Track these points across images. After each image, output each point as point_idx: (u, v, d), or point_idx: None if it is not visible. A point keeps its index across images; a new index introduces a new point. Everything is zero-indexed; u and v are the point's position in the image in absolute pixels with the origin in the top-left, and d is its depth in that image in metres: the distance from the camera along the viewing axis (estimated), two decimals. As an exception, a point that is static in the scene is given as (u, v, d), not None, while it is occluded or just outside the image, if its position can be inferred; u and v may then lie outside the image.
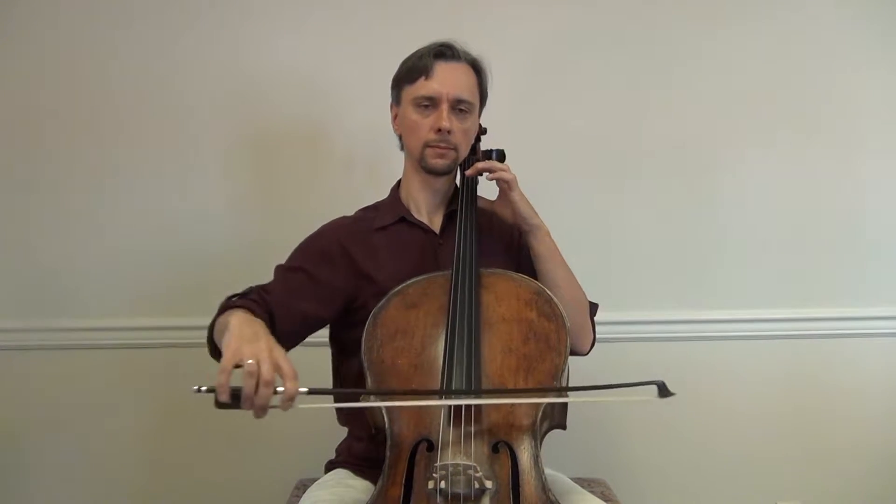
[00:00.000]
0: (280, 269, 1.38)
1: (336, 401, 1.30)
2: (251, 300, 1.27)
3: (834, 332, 2.01)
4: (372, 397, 1.18)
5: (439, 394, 1.14)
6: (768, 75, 1.97)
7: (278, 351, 1.04)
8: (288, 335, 1.26)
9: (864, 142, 2.00)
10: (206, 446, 1.95)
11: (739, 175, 1.98)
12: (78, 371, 1.92)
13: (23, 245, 1.90)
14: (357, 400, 1.19)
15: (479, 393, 1.14)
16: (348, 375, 1.37)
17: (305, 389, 1.01)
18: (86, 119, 1.89)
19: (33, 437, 1.94)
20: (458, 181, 1.45)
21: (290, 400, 1.00)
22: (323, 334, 1.43)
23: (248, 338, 1.05)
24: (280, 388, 1.00)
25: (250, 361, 0.99)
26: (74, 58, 1.88)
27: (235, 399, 0.99)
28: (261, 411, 1.00)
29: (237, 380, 1.00)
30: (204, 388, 0.98)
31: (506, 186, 1.35)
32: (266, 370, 0.99)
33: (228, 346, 1.03)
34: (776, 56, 1.97)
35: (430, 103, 1.34)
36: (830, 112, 1.98)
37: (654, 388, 1.06)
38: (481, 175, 1.38)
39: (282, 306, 1.29)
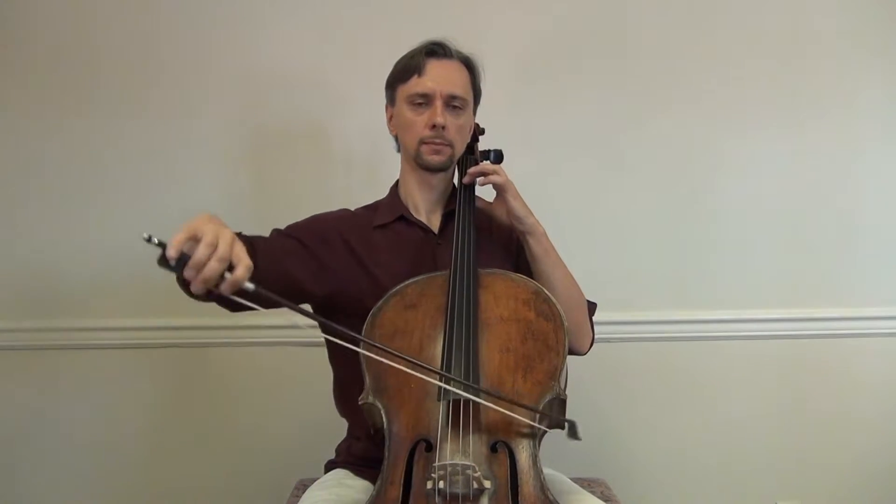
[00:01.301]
0: (275, 231, 1.37)
1: (325, 331, 1.15)
2: (238, 234, 1.20)
3: (834, 332, 2.01)
4: (363, 346, 1.14)
5: (440, 375, 1.12)
6: (768, 75, 1.97)
7: (239, 244, 1.00)
8: (265, 284, 1.17)
9: (863, 142, 2.00)
10: (206, 446, 1.95)
11: (739, 175, 1.98)
12: (78, 371, 1.93)
13: (23, 245, 1.91)
14: (347, 340, 1.11)
15: (476, 388, 1.12)
16: (345, 374, 1.37)
17: (252, 286, 0.98)
18: (85, 119, 1.89)
19: (33, 437, 1.94)
20: (455, 181, 1.45)
21: (234, 285, 0.97)
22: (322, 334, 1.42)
23: (214, 222, 1.00)
24: (228, 275, 0.97)
25: (210, 236, 0.96)
26: (73, 57, 1.88)
27: (181, 262, 0.95)
28: (200, 284, 0.96)
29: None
30: (156, 240, 0.93)
31: (500, 189, 1.35)
32: (223, 248, 0.96)
33: (192, 221, 0.99)
34: (776, 56, 1.97)
35: (424, 100, 1.35)
36: (830, 112, 1.99)
37: (566, 426, 1.11)
38: (476, 181, 1.38)
39: (267, 255, 1.25)
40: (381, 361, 1.11)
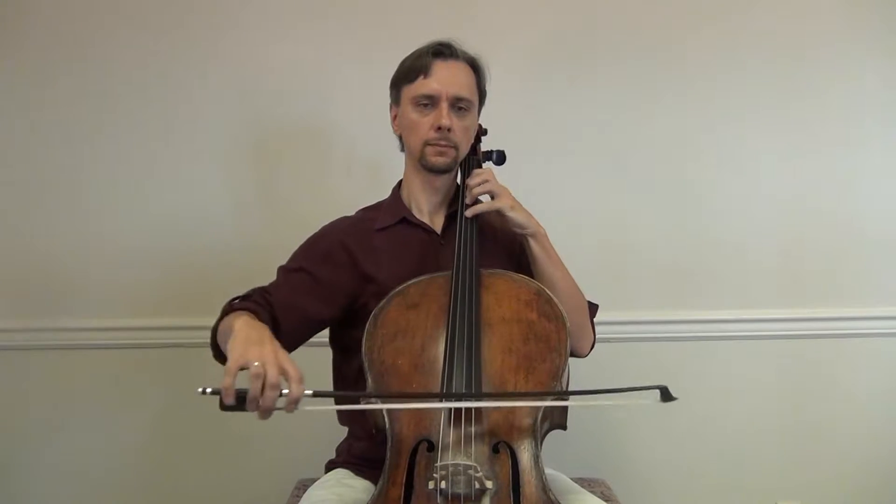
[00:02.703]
0: (282, 271, 1.39)
1: (338, 403, 1.31)
2: (254, 302, 1.27)
3: (834, 332, 2.01)
4: (373, 399, 1.18)
5: (439, 396, 1.14)
6: (769, 75, 1.97)
7: (283, 354, 1.05)
8: (291, 336, 1.27)
9: (864, 142, 2.00)
10: (206, 446, 1.95)
11: (740, 175, 1.99)
12: (78, 371, 1.92)
13: (23, 245, 1.90)
14: (359, 401, 1.19)
15: (479, 396, 1.14)
16: (349, 376, 1.37)
17: (310, 392, 1.02)
18: (86, 120, 1.89)
19: (33, 437, 1.94)
20: (458, 181, 1.45)
21: (294, 402, 1.01)
22: (324, 334, 1.43)
23: (253, 341, 1.06)
24: (285, 391, 1.01)
25: (256, 364, 1.00)
26: (75, 58, 1.88)
27: (241, 401, 0.99)
28: (266, 413, 1.01)
29: (242, 383, 1.01)
30: (209, 390, 0.99)
31: (499, 211, 1.34)
32: (272, 373, 1.00)
33: (234, 349, 1.04)
34: (776, 56, 1.97)
35: (430, 102, 1.34)
36: (831, 112, 1.99)
37: (657, 392, 1.06)
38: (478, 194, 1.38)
39: (284, 307, 1.30)
40: (385, 361, 1.15)
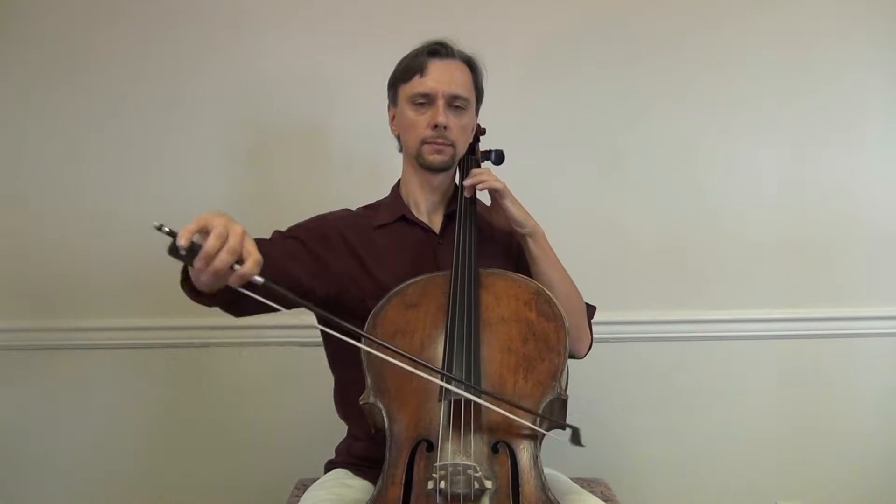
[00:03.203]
0: (277, 233, 1.37)
1: (320, 321, 1.20)
2: None
3: (834, 332, 2.01)
4: (365, 342, 1.13)
5: (441, 375, 1.12)
6: (769, 75, 1.97)
7: (250, 238, 1.01)
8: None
9: (864, 142, 2.00)
10: (206, 446, 1.95)
11: (740, 175, 1.99)
12: (78, 371, 1.93)
13: (23, 245, 1.91)
14: (360, 340, 1.13)
15: (478, 389, 1.13)
16: (348, 377, 1.36)
17: (261, 279, 0.98)
18: (86, 120, 1.89)
19: (33, 437, 1.94)
20: (457, 180, 1.45)
21: (242, 278, 0.97)
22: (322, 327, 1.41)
23: (225, 216, 1.00)
24: (238, 267, 0.97)
25: (221, 228, 0.96)
26: (74, 59, 1.88)
27: (192, 252, 0.95)
28: (211, 276, 0.97)
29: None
30: (167, 229, 0.93)
31: (497, 196, 1.35)
32: (234, 240, 0.96)
33: (202, 215, 0.98)
34: (777, 55, 1.97)
35: (426, 100, 1.34)
36: (831, 112, 1.99)
37: (569, 432, 1.11)
38: (476, 190, 1.38)
39: (269, 257, 1.21)
40: (384, 361, 1.11)
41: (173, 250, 0.95)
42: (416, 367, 1.09)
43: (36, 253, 1.91)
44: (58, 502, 1.95)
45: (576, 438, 1.11)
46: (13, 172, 1.90)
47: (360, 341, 1.14)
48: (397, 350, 1.09)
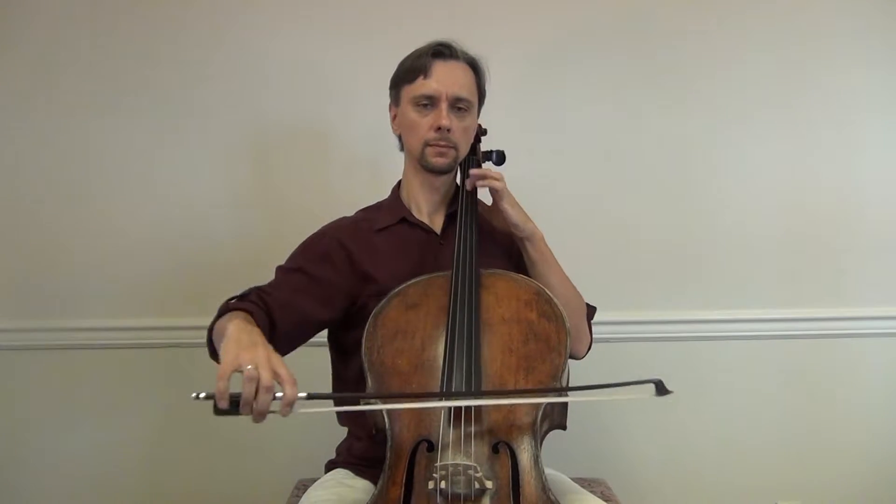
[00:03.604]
0: (280, 271, 1.38)
1: (336, 404, 1.31)
2: (250, 302, 1.26)
3: (834, 332, 2.00)
4: (372, 400, 1.18)
5: (439, 395, 1.14)
6: (768, 75, 1.97)
7: (276, 357, 1.05)
8: (288, 337, 1.27)
9: (864, 142, 2.00)
10: (206, 446, 1.95)
11: (739, 175, 1.98)
12: (78, 371, 1.92)
13: (23, 245, 1.90)
14: (358, 402, 1.19)
15: (479, 394, 1.14)
16: (348, 377, 1.37)
17: (304, 395, 1.02)
18: (86, 120, 1.89)
19: (33, 437, 1.94)
20: (458, 181, 1.45)
21: (288, 405, 1.01)
22: (323, 335, 1.42)
23: (245, 344, 1.05)
24: (279, 394, 1.01)
25: (249, 367, 1.00)
26: (73, 55, 1.88)
27: (234, 405, 0.99)
28: (260, 417, 1.01)
29: (235, 386, 1.00)
30: (203, 395, 0.99)
31: (495, 195, 1.35)
32: (265, 376, 1.00)
33: (227, 352, 1.03)
34: (776, 55, 1.97)
35: (430, 102, 1.34)
36: (831, 112, 1.98)
37: (652, 386, 1.07)
38: (477, 184, 1.39)
39: (282, 308, 1.29)
40: (385, 362, 1.15)
41: (218, 412, 1.00)
42: (418, 402, 1.14)
43: (36, 253, 1.91)
44: (58, 502, 1.95)
45: (662, 389, 1.08)
46: (13, 172, 1.90)
47: (358, 403, 1.20)
48: (396, 397, 1.16)
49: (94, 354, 1.92)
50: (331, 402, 1.27)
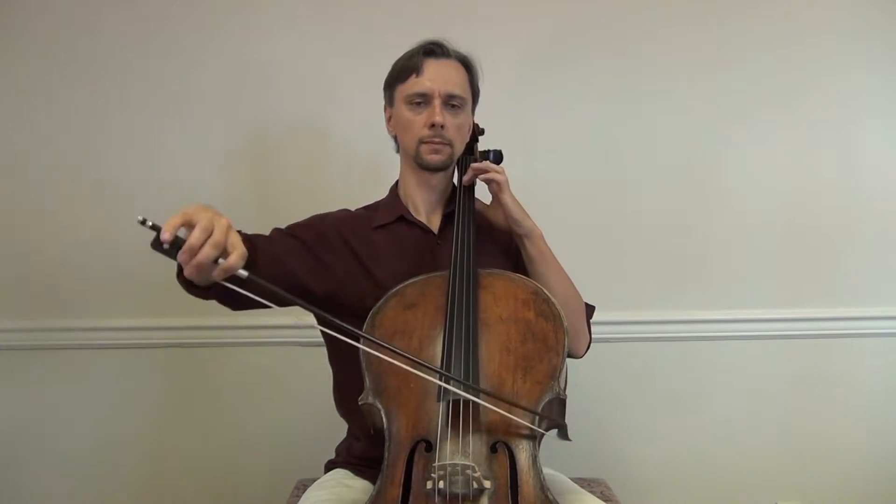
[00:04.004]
0: (276, 230, 1.37)
1: (322, 323, 1.19)
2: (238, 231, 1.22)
3: (834, 332, 2.01)
4: (363, 343, 1.14)
5: (439, 375, 1.12)
6: (769, 75, 1.96)
7: (235, 232, 1.01)
8: (265, 275, 1.18)
9: (864, 141, 2.00)
10: (205, 446, 1.95)
11: (739, 175, 1.98)
12: (78, 371, 1.93)
13: (23, 245, 1.91)
14: (358, 340, 1.14)
15: (476, 389, 1.13)
16: (347, 377, 1.37)
17: (245, 273, 0.98)
18: (86, 120, 1.89)
19: (34, 437, 1.94)
20: (455, 180, 1.45)
21: (226, 271, 0.98)
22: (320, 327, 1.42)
23: (211, 210, 1.00)
24: (222, 260, 0.97)
25: (206, 221, 0.96)
26: (72, 54, 1.88)
27: (175, 247, 0.95)
28: (194, 270, 0.97)
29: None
30: (150, 223, 0.92)
31: (497, 189, 1.35)
32: (218, 234, 0.96)
33: (187, 208, 0.98)
34: (776, 56, 1.97)
35: (423, 100, 1.35)
36: (831, 112, 1.98)
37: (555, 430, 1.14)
38: (475, 181, 1.39)
39: (267, 253, 1.25)
40: (382, 361, 1.11)
41: (157, 244, 0.95)
42: (414, 367, 1.09)
43: (36, 253, 1.91)
44: (58, 502, 1.96)
45: (563, 433, 1.12)
46: (13, 172, 1.90)
47: (358, 341, 1.14)
48: (396, 350, 1.09)
49: (94, 354, 1.92)
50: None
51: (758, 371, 2.01)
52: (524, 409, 1.13)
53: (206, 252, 0.96)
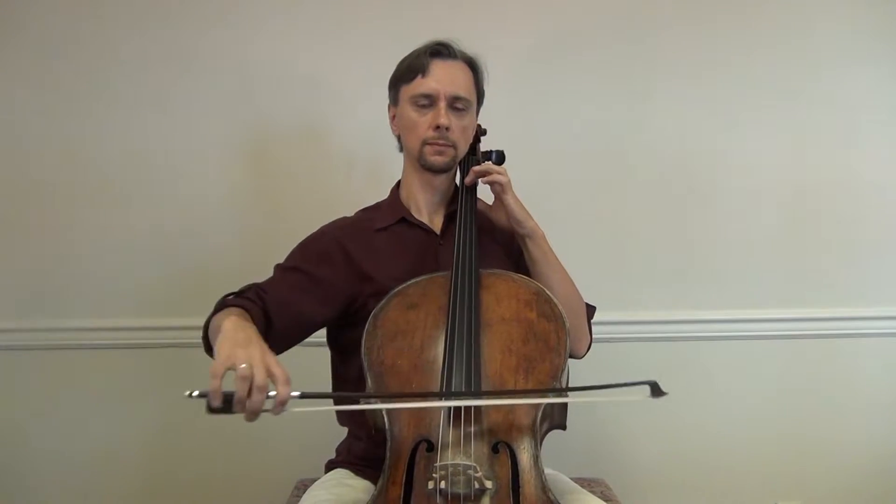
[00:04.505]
0: (279, 269, 1.38)
1: (334, 403, 1.30)
2: (247, 299, 1.26)
3: (834, 332, 2.01)
4: (372, 399, 1.18)
5: (439, 395, 1.14)
6: (768, 75, 1.97)
7: (270, 355, 1.04)
8: (283, 335, 1.27)
9: (864, 142, 2.00)
10: (206, 446, 1.95)
11: (739, 175, 1.98)
12: (78, 371, 1.92)
13: (23, 245, 1.90)
14: (358, 402, 1.19)
15: (478, 394, 1.14)
16: (348, 377, 1.37)
17: (298, 393, 1.02)
18: (85, 118, 1.89)
19: (33, 437, 1.94)
20: (457, 180, 1.45)
21: (281, 404, 1.01)
22: (322, 334, 1.42)
23: (240, 342, 1.04)
24: (272, 393, 1.00)
25: (243, 366, 0.99)
26: (72, 55, 1.88)
27: (227, 404, 0.99)
28: (253, 416, 1.01)
29: (230, 386, 1.00)
30: (196, 393, 0.98)
31: (499, 190, 1.35)
32: (259, 374, 0.99)
33: (220, 350, 1.02)
34: (776, 56, 1.97)
35: (428, 101, 1.35)
36: (831, 111, 1.98)
37: (647, 387, 1.07)
38: (477, 182, 1.39)
39: (279, 305, 1.29)
40: (384, 362, 1.14)
41: (211, 410, 0.99)
42: (418, 402, 1.14)
43: (36, 253, 1.91)
44: (58, 502, 1.95)
45: (657, 390, 1.08)
46: (13, 172, 1.90)
47: (357, 402, 1.20)
48: (396, 398, 1.15)
49: (94, 354, 1.92)
50: (329, 401, 1.26)
51: (757, 371, 2.01)
52: (530, 391, 1.14)
53: (256, 399, 0.99)
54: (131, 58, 1.88)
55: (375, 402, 1.16)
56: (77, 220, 1.90)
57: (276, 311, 1.28)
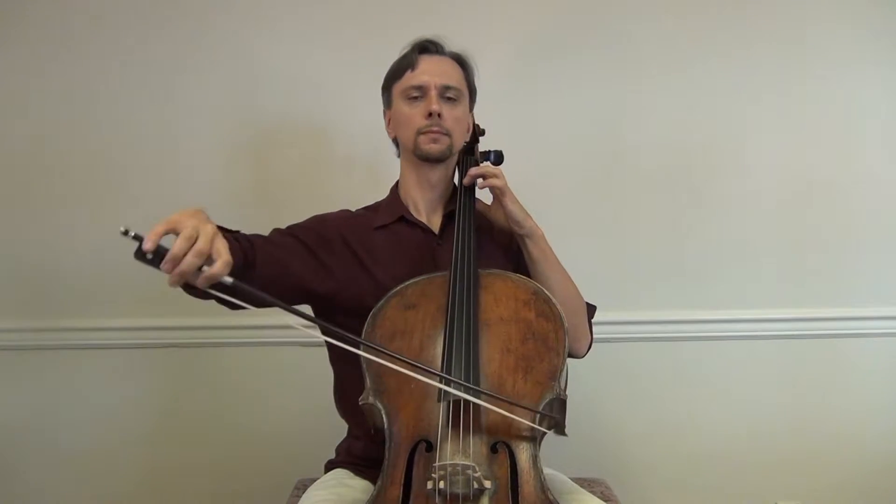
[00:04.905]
0: (276, 231, 1.37)
1: (325, 333, 1.18)
2: (233, 235, 1.22)
3: (834, 332, 2.00)
4: (363, 348, 1.14)
5: (440, 377, 1.12)
6: (769, 73, 1.96)
7: (221, 238, 1.01)
8: (263, 281, 1.18)
9: (863, 142, 2.00)
10: (206, 446, 1.95)
11: (739, 175, 1.98)
12: (78, 371, 1.93)
13: (23, 245, 1.91)
14: (358, 347, 1.14)
15: (476, 391, 1.13)
16: (347, 377, 1.37)
17: (230, 280, 0.98)
18: (85, 120, 1.89)
19: (33, 437, 1.94)
20: (455, 180, 1.45)
21: (209, 280, 0.98)
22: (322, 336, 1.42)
23: (196, 216, 1.00)
24: (206, 268, 0.97)
25: (191, 229, 0.96)
26: (72, 55, 1.88)
27: (158, 256, 0.95)
28: (178, 278, 0.97)
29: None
30: (133, 233, 0.92)
31: (498, 192, 1.35)
32: (203, 240, 0.97)
33: (172, 216, 0.99)
34: (776, 55, 1.97)
35: (419, 93, 1.36)
36: (830, 111, 1.98)
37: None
38: (476, 182, 1.39)
39: (267, 252, 1.25)
40: (382, 363, 1.11)
41: (140, 255, 0.95)
42: (414, 371, 1.09)
43: (35, 253, 1.91)
44: (58, 501, 1.96)
45: (560, 430, 1.13)
46: (13, 172, 1.90)
47: (359, 348, 1.14)
48: (396, 355, 1.10)
49: (95, 354, 1.92)
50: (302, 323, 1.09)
51: (757, 371, 2.01)
52: (525, 408, 1.13)
53: (189, 261, 0.96)
54: (131, 58, 1.89)
55: (373, 353, 1.12)
56: (77, 219, 1.90)
57: (262, 258, 1.24)
